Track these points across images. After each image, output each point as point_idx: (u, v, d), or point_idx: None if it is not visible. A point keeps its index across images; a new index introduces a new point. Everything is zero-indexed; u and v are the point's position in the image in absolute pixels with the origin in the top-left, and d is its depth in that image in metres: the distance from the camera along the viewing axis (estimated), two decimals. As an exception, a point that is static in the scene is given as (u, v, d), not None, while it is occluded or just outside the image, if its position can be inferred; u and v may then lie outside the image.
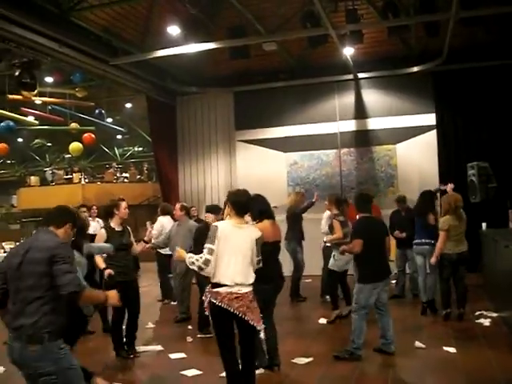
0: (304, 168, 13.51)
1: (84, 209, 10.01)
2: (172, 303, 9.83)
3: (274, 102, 13.38)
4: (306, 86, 13.16)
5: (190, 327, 8.12)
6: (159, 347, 7.02)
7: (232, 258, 4.56)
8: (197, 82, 13.56)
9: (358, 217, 6.58)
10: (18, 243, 3.69)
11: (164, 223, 9.66)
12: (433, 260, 7.77)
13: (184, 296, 8.60)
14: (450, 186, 8.56)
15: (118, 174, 20.51)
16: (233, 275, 4.55)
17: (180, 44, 10.20)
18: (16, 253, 3.64)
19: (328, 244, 8.84)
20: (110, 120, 21.38)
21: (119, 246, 6.57)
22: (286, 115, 13.47)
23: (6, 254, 3.36)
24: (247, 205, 4.94)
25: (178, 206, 8.89)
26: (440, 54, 11.22)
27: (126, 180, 20.08)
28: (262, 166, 13.52)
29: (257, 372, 5.09)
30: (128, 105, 20.29)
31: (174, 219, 9.12)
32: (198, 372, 5.93)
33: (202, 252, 4.56)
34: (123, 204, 6.85)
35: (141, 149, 25.82)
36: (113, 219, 6.79)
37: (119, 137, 25.30)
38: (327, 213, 9.12)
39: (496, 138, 12.01)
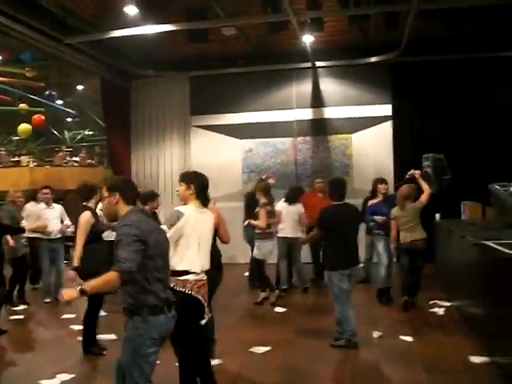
0: (259, 155, 13.45)
1: (47, 190, 9.33)
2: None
3: (231, 88, 13.27)
4: (263, 73, 13.10)
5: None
6: (113, 336, 6.79)
7: (199, 244, 4.44)
8: (153, 65, 13.30)
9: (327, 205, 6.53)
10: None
11: None
12: (391, 246, 8.11)
13: None
14: (416, 172, 8.50)
15: (67, 158, 19.96)
16: (201, 262, 4.44)
17: (137, 25, 9.95)
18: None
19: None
20: (60, 102, 20.86)
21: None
22: (242, 102, 13.39)
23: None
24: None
25: None
26: (398, 45, 11.31)
27: (75, 164, 19.56)
28: (218, 152, 13.40)
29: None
30: (80, 87, 19.79)
31: None
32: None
33: None
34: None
35: (92, 132, 25.21)
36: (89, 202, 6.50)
37: (69, 120, 24.71)
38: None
39: (451, 130, 12.27)
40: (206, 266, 4.52)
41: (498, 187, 8.85)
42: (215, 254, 5.43)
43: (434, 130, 12.44)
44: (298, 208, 9.28)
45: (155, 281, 3.52)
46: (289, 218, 9.15)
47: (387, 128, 12.79)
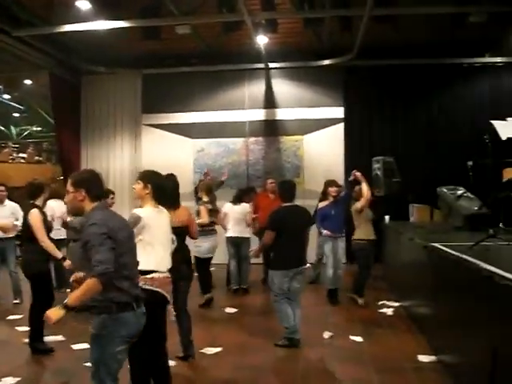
0: (211, 155, 13.39)
1: (2, 187, 8.96)
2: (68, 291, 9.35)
3: (184, 87, 13.18)
4: (217, 73, 13.08)
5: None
6: (60, 337, 6.63)
7: (161, 243, 4.46)
8: (105, 61, 13.07)
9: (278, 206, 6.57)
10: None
11: (54, 207, 8.83)
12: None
13: None
14: (358, 174, 8.61)
15: (14, 154, 19.47)
16: (165, 261, 4.47)
17: (89, 20, 9.75)
18: None
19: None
20: (6, 96, 20.32)
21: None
22: (195, 101, 13.30)
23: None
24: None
25: None
26: (351, 49, 11.46)
27: (22, 161, 19.10)
28: (169, 151, 13.28)
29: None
30: (28, 81, 19.29)
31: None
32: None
33: None
34: None
35: (40, 128, 24.66)
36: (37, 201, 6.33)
37: (17, 115, 24.14)
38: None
39: (401, 134, 12.54)
40: (169, 264, 4.53)
41: (445, 190, 9.08)
42: (186, 252, 5.63)
43: (385, 133, 12.67)
44: (244, 208, 9.30)
45: (124, 278, 3.46)
46: (234, 218, 9.19)
47: (339, 130, 12.94)
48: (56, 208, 8.84)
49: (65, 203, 4.24)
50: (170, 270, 4.51)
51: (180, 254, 5.38)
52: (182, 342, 5.68)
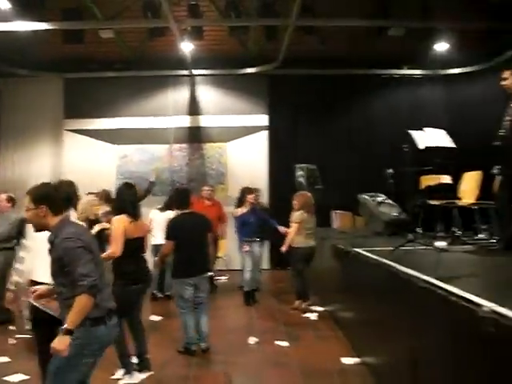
0: (134, 162, 13.24)
1: None
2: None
3: (107, 92, 12.98)
4: (141, 78, 12.97)
5: (11, 328, 7.35)
6: (7, 358, 6.29)
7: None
8: (26, 64, 12.65)
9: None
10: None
11: None
12: (283, 248, 8.24)
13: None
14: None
15: None
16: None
17: (9, 20, 9.46)
18: None
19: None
20: None
21: None
22: (118, 106, 13.13)
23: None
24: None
25: (3, 196, 8.01)
26: (276, 57, 11.64)
27: None
28: (92, 157, 13.05)
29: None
30: None
31: None
32: (25, 377, 5.42)
33: None
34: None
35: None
36: None
37: None
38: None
39: (323, 142, 12.78)
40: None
41: (366, 197, 9.36)
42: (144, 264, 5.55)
43: (308, 141, 12.91)
44: (168, 215, 9.22)
45: (98, 291, 3.35)
46: (158, 225, 9.10)
47: (263, 138, 13.12)
48: None
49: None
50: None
51: (142, 265, 5.40)
52: (139, 353, 5.59)
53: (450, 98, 13.07)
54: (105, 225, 5.62)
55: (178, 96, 13.22)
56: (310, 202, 8.39)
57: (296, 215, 8.26)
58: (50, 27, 9.83)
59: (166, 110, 13.19)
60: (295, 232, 8.18)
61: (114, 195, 8.24)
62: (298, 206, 8.32)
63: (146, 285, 5.55)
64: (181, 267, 6.20)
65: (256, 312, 8.43)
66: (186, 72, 12.91)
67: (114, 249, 5.18)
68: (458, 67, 12.79)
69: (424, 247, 6.13)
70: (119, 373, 5.43)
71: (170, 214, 9.26)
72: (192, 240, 6.19)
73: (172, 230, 6.23)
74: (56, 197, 3.55)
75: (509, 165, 5.95)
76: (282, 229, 9.04)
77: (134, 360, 5.57)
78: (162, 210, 9.25)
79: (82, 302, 3.20)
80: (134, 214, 5.41)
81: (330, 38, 10.74)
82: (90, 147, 13.16)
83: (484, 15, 9.70)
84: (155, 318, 8.05)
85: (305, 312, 8.10)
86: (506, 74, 5.70)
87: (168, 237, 6.22)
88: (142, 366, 5.57)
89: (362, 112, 13.08)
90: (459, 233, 8.46)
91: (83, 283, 3.18)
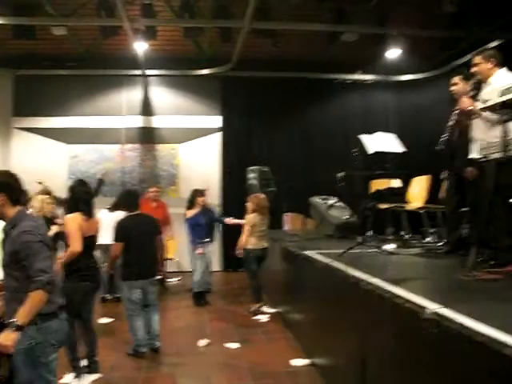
0: (85, 162, 13.02)
1: None
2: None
3: (60, 90, 12.72)
4: (94, 77, 12.75)
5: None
6: None
7: None
8: (-28, 59, 12.35)
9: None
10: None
11: None
12: (238, 252, 8.21)
13: None
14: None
15: None
16: None
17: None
18: None
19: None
20: None
21: None
22: (70, 105, 12.88)
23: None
24: None
25: None
26: (230, 59, 11.66)
27: None
28: (42, 156, 12.76)
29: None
30: None
31: None
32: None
33: None
34: None
35: None
36: None
37: None
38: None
39: (277, 145, 12.89)
40: None
41: (317, 200, 9.47)
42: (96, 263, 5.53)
43: (262, 143, 13.00)
44: (117, 215, 9.13)
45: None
46: (106, 225, 8.99)
47: (216, 139, 13.11)
48: None
49: None
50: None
51: (92, 263, 5.35)
52: (89, 356, 5.50)
53: (401, 103, 13.36)
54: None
55: (131, 96, 13.08)
56: (264, 203, 8.42)
57: (249, 218, 8.27)
58: (1, 22, 9.59)
59: (119, 109, 13.03)
60: (247, 235, 8.18)
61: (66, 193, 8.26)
62: (251, 208, 8.34)
63: (96, 283, 5.48)
64: (129, 269, 6.14)
65: (207, 314, 8.42)
66: (139, 72, 12.78)
67: (75, 246, 5.11)
68: (409, 74, 13.06)
69: (373, 250, 6.25)
70: (68, 376, 5.35)
71: (119, 214, 9.17)
72: (140, 242, 6.15)
73: (120, 231, 6.17)
74: (16, 186, 3.46)
75: (453, 169, 6.12)
76: (229, 220, 9.14)
77: (84, 363, 5.49)
78: (111, 210, 9.14)
79: (36, 298, 3.12)
80: (88, 212, 5.34)
81: (285, 41, 10.81)
82: (40, 146, 12.88)
83: (435, 24, 9.93)
84: (105, 320, 7.95)
85: (256, 314, 8.12)
86: (456, 79, 5.85)
87: (117, 239, 6.15)
88: (92, 369, 5.50)
89: (316, 115, 13.22)
90: (408, 236, 8.65)
91: (40, 279, 3.11)
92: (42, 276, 3.12)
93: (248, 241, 8.20)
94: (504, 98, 3.78)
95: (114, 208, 9.14)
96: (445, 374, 2.68)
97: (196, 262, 8.92)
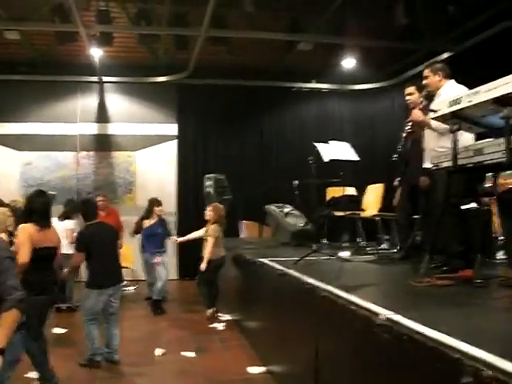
0: (39, 169, 12.79)
1: None
2: None
3: (12, 96, 12.43)
4: (48, 83, 12.51)
5: None
6: None
7: None
8: None
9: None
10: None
11: None
12: (202, 266, 8.08)
13: None
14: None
15: None
16: None
17: None
18: None
19: None
20: None
21: None
22: (23, 111, 12.63)
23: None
24: None
25: None
26: (187, 67, 11.65)
27: None
28: (-8, 163, 12.50)
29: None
30: None
31: None
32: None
33: None
34: None
35: None
36: None
37: None
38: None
39: (234, 153, 12.91)
40: None
41: (273, 208, 9.53)
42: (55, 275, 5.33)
43: (217, 151, 13.02)
44: (67, 224, 9.02)
45: None
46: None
47: (172, 147, 13.06)
48: None
49: None
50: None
51: (49, 276, 5.17)
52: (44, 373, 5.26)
53: (356, 112, 13.56)
54: None
55: (87, 103, 12.91)
56: (224, 214, 8.46)
57: (213, 229, 8.23)
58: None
59: (74, 116, 12.84)
60: (212, 246, 8.15)
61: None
62: (213, 218, 8.33)
63: (51, 297, 5.35)
64: (97, 278, 6.06)
65: (164, 322, 8.36)
66: (95, 78, 12.65)
67: (22, 257, 4.96)
68: (364, 83, 13.28)
69: (328, 257, 6.32)
70: None
71: (70, 222, 9.07)
72: (104, 250, 6.12)
73: (82, 241, 6.10)
74: None
75: (406, 178, 6.26)
76: (173, 239, 9.15)
77: (35, 375, 5.37)
78: (61, 218, 9.00)
79: (12, 317, 2.93)
80: (42, 222, 5.22)
81: (241, 49, 10.87)
82: (-9, 153, 12.62)
83: (389, 35, 10.13)
84: (59, 330, 7.80)
85: (212, 322, 8.10)
86: (412, 89, 6.00)
87: (79, 249, 6.09)
88: (45, 381, 5.38)
89: (272, 123, 13.34)
90: (363, 243, 8.79)
91: (13, 297, 2.93)
92: (14, 294, 2.95)
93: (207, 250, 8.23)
94: (453, 109, 3.88)
95: (63, 217, 9.03)
96: (398, 379, 2.73)
97: (158, 271, 8.92)
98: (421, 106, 5.41)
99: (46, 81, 12.48)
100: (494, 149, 3.66)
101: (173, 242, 9.47)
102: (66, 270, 6.60)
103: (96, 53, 11.05)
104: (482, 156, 3.77)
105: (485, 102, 3.55)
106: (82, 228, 6.40)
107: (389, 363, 2.81)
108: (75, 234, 8.73)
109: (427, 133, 5.33)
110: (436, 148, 5.01)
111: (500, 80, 3.43)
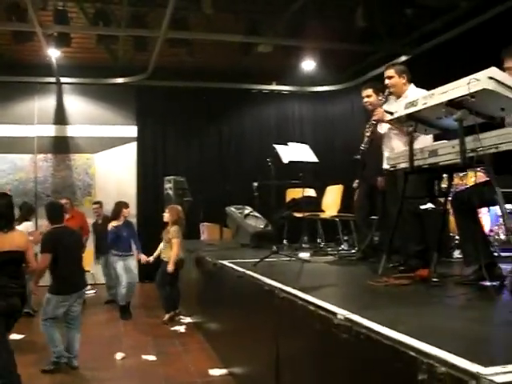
0: (-5, 172, 12.56)
1: None
2: None
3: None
4: (5, 84, 12.27)
5: None
6: None
7: None
8: None
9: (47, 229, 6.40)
10: None
11: None
12: (170, 268, 7.97)
13: None
14: None
15: None
16: None
17: None
18: None
19: None
20: None
21: None
22: (-22, 113, 12.39)
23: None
24: None
25: None
26: (146, 68, 11.58)
27: None
28: None
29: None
30: None
31: None
32: None
33: None
34: None
35: None
36: None
37: None
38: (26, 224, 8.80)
39: (194, 155, 12.90)
40: None
41: (233, 210, 9.53)
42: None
43: (177, 153, 12.98)
44: (25, 227, 8.86)
45: None
46: None
47: (132, 149, 12.97)
48: None
49: None
50: None
51: (5, 283, 4.97)
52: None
53: (315, 114, 13.68)
54: None
55: (44, 104, 12.72)
56: (182, 215, 8.41)
57: (175, 230, 8.17)
58: None
59: (31, 118, 12.63)
60: (179, 248, 8.11)
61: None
62: (172, 220, 8.28)
63: (7, 303, 5.17)
64: (61, 284, 5.96)
65: (124, 326, 8.28)
66: (52, 79, 12.46)
67: None
68: (323, 85, 13.40)
69: (288, 258, 6.35)
70: None
71: (28, 225, 8.93)
72: (70, 256, 6.03)
73: (49, 243, 5.96)
74: None
75: (365, 178, 6.34)
76: (144, 259, 9.00)
77: None
78: (18, 222, 8.81)
79: None
80: (2, 225, 5.10)
81: (201, 51, 10.86)
82: None
83: (348, 38, 10.25)
84: (16, 336, 7.64)
85: (173, 324, 8.06)
86: (370, 91, 6.05)
87: (45, 250, 5.94)
88: None
89: (232, 125, 13.36)
90: (322, 244, 8.86)
91: None
92: None
93: (164, 252, 8.22)
94: (409, 111, 3.95)
95: (20, 220, 8.85)
96: (358, 378, 2.77)
97: (121, 275, 8.78)
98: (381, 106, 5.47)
99: (2, 81, 12.24)
100: (447, 150, 3.74)
101: (143, 261, 9.21)
102: (33, 280, 6.40)
103: (53, 53, 10.89)
104: (437, 157, 3.85)
105: (439, 104, 3.63)
106: (48, 231, 6.24)
107: (348, 363, 2.85)
108: (40, 231, 8.73)
109: (385, 134, 5.41)
110: (393, 149, 5.10)
111: (453, 83, 3.51)
